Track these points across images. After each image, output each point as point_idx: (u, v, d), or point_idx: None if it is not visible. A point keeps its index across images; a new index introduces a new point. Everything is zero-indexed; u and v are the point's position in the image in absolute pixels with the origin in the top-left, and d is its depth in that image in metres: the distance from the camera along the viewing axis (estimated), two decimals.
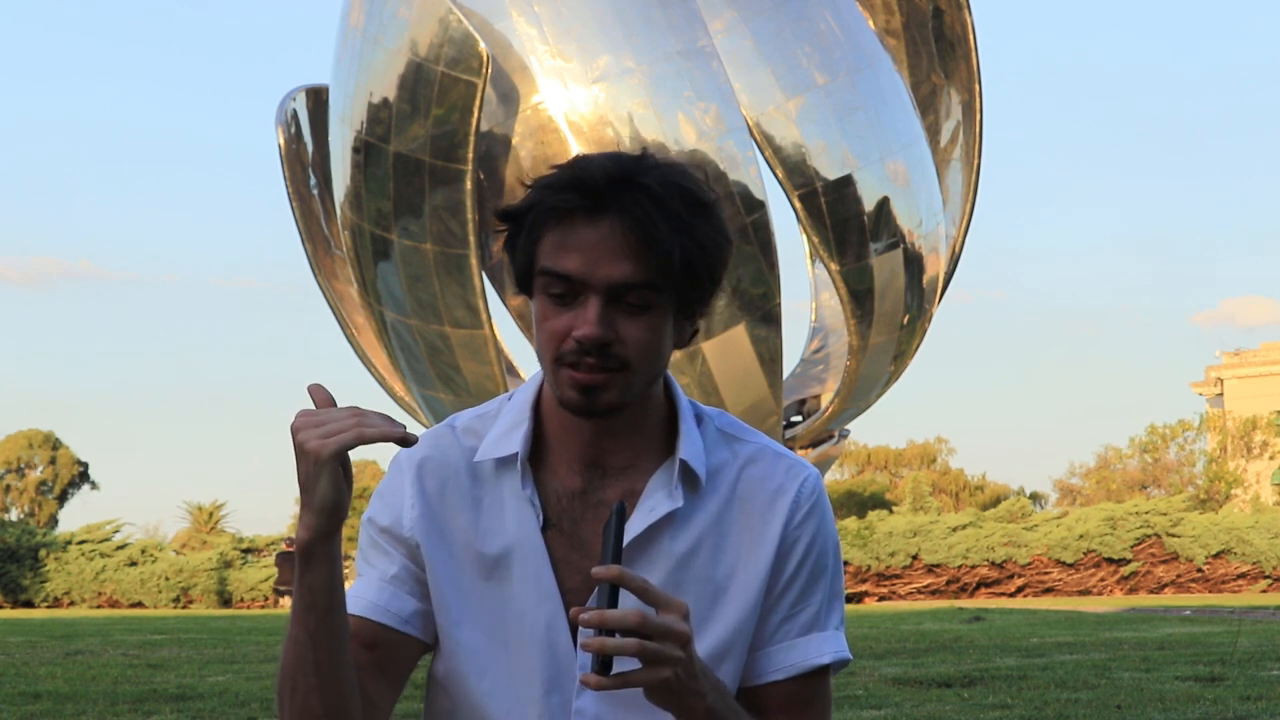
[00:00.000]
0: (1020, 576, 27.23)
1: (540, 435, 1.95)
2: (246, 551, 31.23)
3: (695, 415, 1.98)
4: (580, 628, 1.85)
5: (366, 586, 1.97)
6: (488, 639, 1.93)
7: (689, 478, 1.93)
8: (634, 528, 1.89)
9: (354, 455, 1.78)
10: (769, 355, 17.56)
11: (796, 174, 17.60)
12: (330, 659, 1.82)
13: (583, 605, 1.87)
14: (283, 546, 30.78)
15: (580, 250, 1.82)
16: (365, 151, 17.59)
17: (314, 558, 1.79)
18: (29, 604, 29.83)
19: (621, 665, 1.72)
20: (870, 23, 18.96)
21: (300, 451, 1.76)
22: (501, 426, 1.96)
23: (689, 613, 1.76)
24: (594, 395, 1.84)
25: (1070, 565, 27.33)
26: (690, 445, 1.93)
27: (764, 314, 17.42)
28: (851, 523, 27.71)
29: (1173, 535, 27.77)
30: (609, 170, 1.84)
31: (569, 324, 1.83)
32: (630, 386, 1.85)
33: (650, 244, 1.81)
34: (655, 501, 1.91)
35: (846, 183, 17.73)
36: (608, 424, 1.90)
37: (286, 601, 28.67)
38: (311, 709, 1.83)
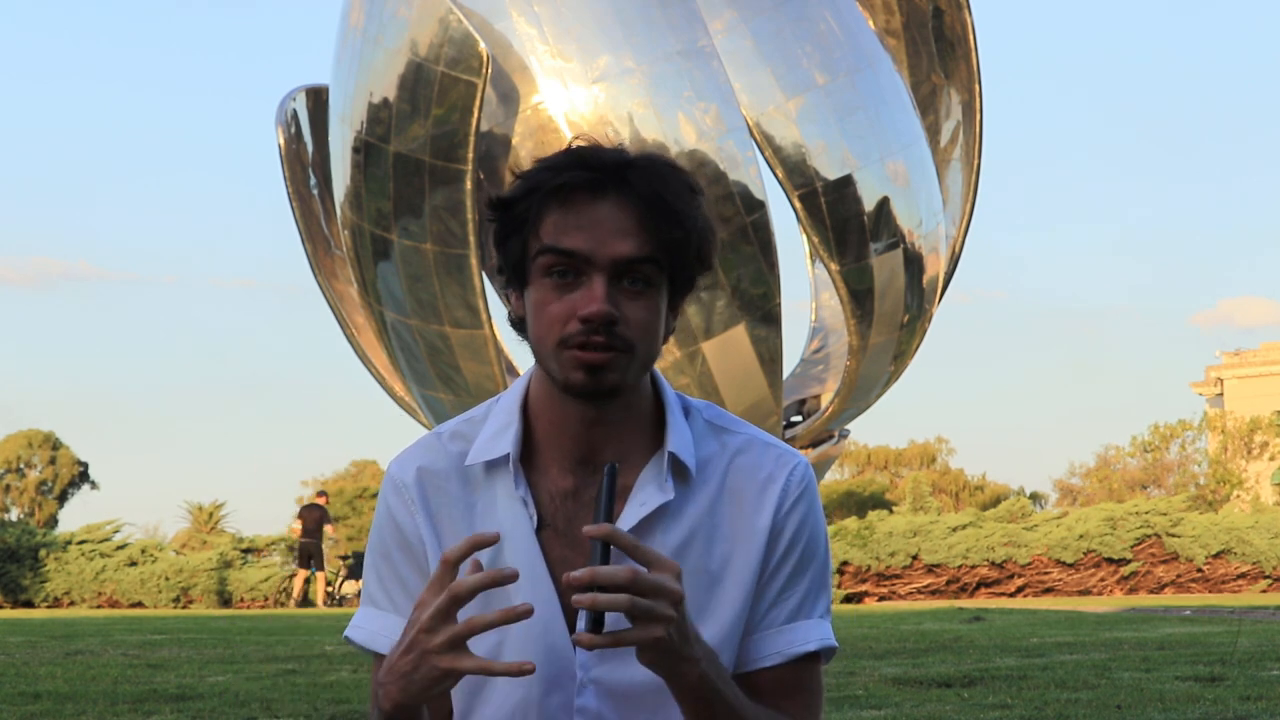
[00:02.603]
0: (1020, 576, 27.21)
1: (530, 436, 1.95)
2: (246, 551, 31.13)
3: (683, 407, 1.99)
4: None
5: (378, 618, 2.00)
6: (483, 648, 1.91)
7: (679, 470, 1.93)
8: (626, 522, 1.90)
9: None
10: (769, 355, 17.54)
11: (796, 174, 17.59)
12: None
13: None
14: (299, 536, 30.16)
15: (583, 228, 1.84)
16: (365, 151, 17.58)
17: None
18: (29, 604, 29.81)
19: (617, 631, 1.72)
20: (870, 23, 18.95)
21: (427, 649, 1.76)
22: (491, 429, 1.97)
23: (681, 573, 1.76)
24: (600, 375, 1.84)
25: (1070, 565, 27.31)
26: (679, 437, 1.93)
27: (764, 314, 17.40)
28: (851, 523, 27.65)
29: (1173, 535, 27.75)
30: (608, 152, 1.88)
31: (571, 307, 1.84)
32: (631, 368, 1.86)
33: (655, 218, 1.84)
34: (646, 495, 1.92)
35: (846, 183, 17.72)
36: (598, 416, 1.90)
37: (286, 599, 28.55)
38: None
